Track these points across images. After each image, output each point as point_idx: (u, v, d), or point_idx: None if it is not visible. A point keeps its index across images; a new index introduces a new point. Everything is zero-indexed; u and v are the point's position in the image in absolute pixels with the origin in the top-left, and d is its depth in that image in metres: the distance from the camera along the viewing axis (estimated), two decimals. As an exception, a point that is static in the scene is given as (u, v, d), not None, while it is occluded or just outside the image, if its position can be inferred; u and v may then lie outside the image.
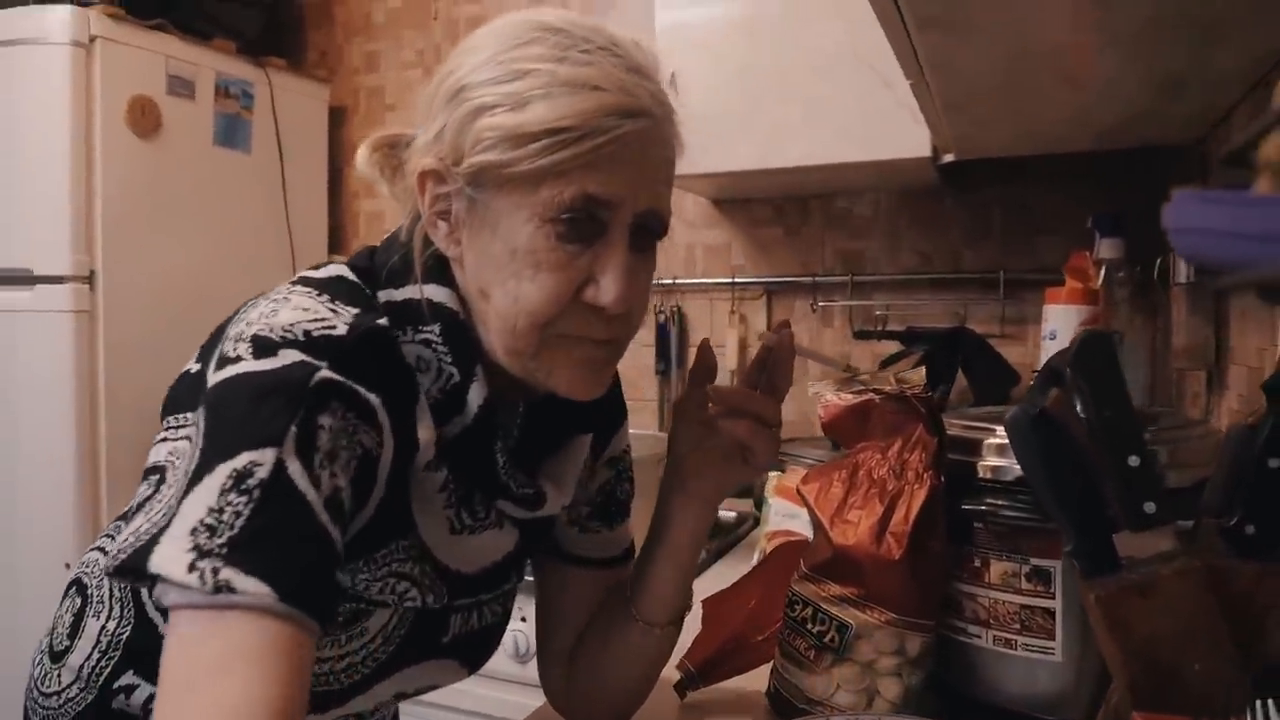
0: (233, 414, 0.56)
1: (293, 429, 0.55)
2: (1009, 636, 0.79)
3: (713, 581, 0.81)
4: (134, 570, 0.55)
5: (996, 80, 0.89)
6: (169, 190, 1.91)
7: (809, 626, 0.82)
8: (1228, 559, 0.66)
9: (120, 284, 1.82)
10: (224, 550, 0.52)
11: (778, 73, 1.52)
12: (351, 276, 0.67)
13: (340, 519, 0.58)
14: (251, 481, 0.54)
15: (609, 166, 0.62)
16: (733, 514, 1.74)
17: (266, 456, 0.55)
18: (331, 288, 0.65)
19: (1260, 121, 0.31)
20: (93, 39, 1.75)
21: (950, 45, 0.79)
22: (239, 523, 0.53)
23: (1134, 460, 0.62)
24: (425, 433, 0.65)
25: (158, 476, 0.66)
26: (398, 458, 0.63)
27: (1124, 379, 0.63)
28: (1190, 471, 0.77)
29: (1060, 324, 1.32)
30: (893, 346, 1.72)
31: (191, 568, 0.52)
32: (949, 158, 1.41)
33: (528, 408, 0.76)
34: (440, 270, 0.68)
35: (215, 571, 0.52)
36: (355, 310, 0.63)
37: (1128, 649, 0.61)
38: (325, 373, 0.58)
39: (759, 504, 1.62)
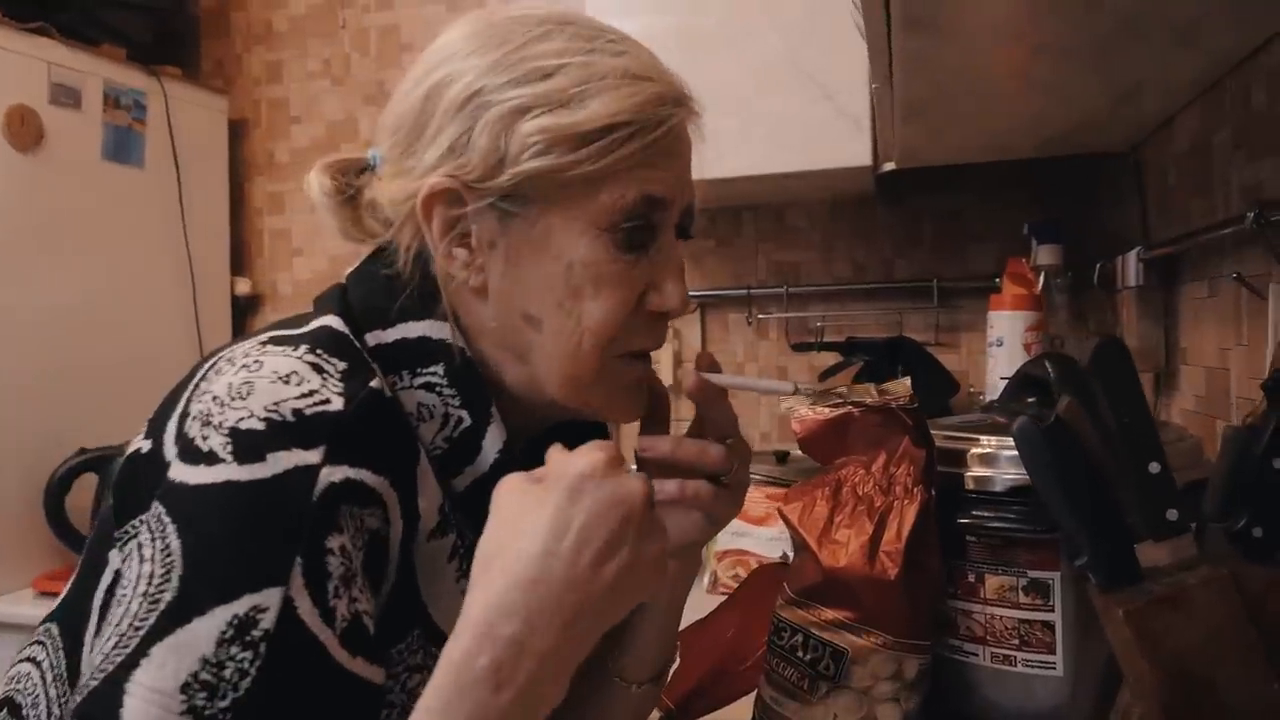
0: (222, 540, 0.48)
1: (299, 561, 0.48)
2: (1007, 653, 0.77)
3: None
4: (101, 719, 0.46)
5: (964, 84, 0.88)
6: (53, 208, 1.75)
7: (800, 654, 0.78)
8: (1237, 564, 0.64)
9: (-1, 311, 1.65)
10: (229, 716, 0.45)
11: (714, 84, 1.47)
12: (337, 325, 0.59)
13: (364, 645, 0.50)
14: (256, 633, 0.46)
15: (663, 161, 0.58)
16: (675, 534, 1.69)
17: (271, 599, 0.47)
18: (309, 337, 0.57)
19: None
20: (-36, 42, 1.59)
21: (926, 47, 0.77)
22: (244, 683, 0.45)
23: (1155, 467, 0.60)
24: (426, 500, 0.58)
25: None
26: (404, 535, 0.56)
27: (1140, 385, 0.61)
28: (1176, 475, 0.76)
29: (1006, 331, 1.33)
30: (831, 358, 1.71)
31: None
32: (889, 166, 1.40)
33: (527, 444, 0.69)
34: (430, 304, 0.60)
35: None
36: (343, 365, 0.55)
37: (1159, 664, 0.58)
38: (326, 476, 0.50)
39: (705, 523, 1.58)
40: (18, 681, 0.65)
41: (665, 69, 0.61)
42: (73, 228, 1.80)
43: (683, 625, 0.90)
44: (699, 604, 0.92)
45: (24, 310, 1.69)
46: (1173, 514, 0.60)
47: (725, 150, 1.48)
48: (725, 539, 1.46)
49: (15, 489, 1.66)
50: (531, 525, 0.49)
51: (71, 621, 0.56)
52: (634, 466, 0.70)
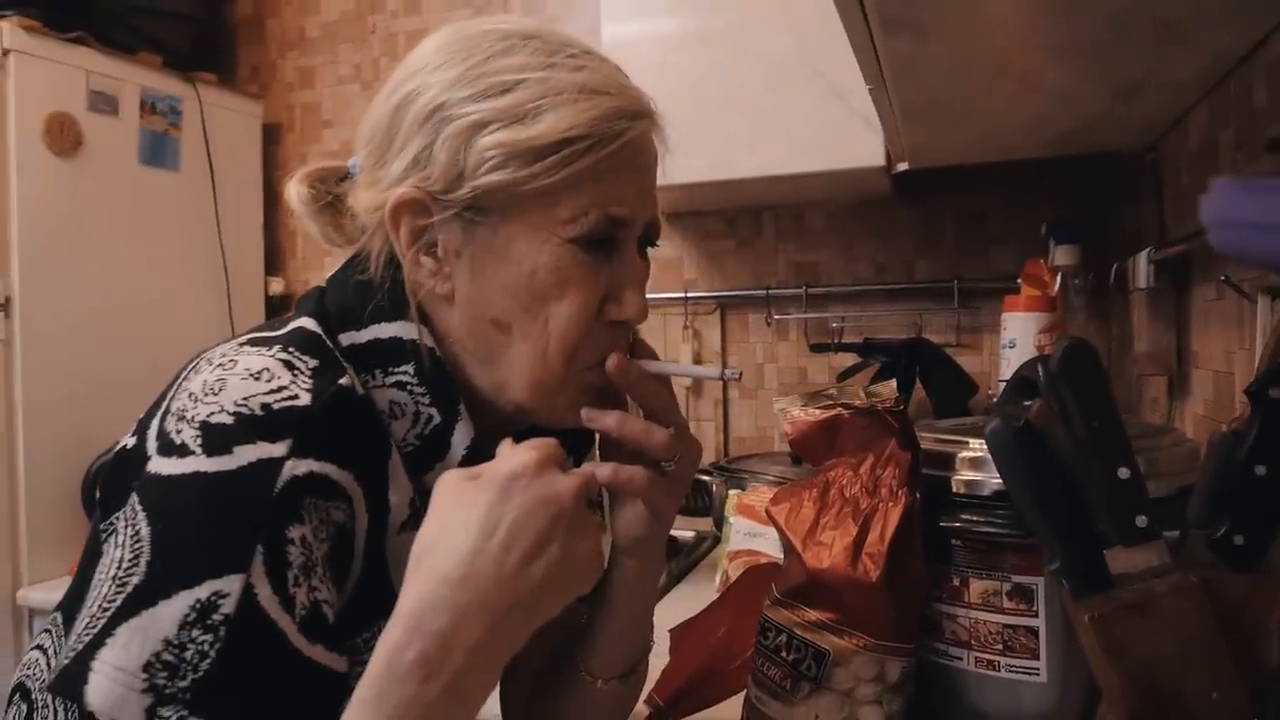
0: (188, 528, 0.50)
1: (260, 550, 0.50)
2: (991, 657, 0.76)
3: (674, 604, 0.77)
4: (68, 694, 0.48)
5: (956, 86, 0.87)
6: (91, 211, 1.81)
7: (783, 654, 0.78)
8: (1217, 571, 0.63)
9: (40, 311, 1.71)
10: (188, 696, 0.47)
11: (727, 85, 1.50)
12: (311, 326, 0.61)
13: (323, 633, 0.52)
14: (217, 617, 0.48)
15: (622, 175, 0.59)
16: (691, 534, 1.70)
17: (233, 585, 0.49)
18: (284, 338, 0.59)
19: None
20: (6, 52, 1.65)
21: (914, 49, 0.77)
22: (204, 664, 0.47)
23: (1124, 472, 0.60)
24: (398, 494, 0.59)
25: None
26: (372, 528, 0.58)
27: (1110, 388, 0.60)
28: (1167, 481, 0.75)
29: (1019, 332, 1.31)
30: (849, 359, 1.70)
31: (152, 715, 0.46)
32: (903, 167, 1.39)
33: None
34: (402, 307, 0.62)
35: None
36: (315, 363, 0.57)
37: (1125, 672, 0.58)
38: (289, 469, 0.52)
39: (719, 523, 1.58)
40: (29, 668, 0.69)
41: (627, 83, 0.62)
42: (110, 231, 1.86)
43: (675, 623, 0.91)
44: (705, 603, 0.93)
45: (64, 311, 1.76)
46: (1142, 520, 0.59)
47: (738, 151, 1.50)
48: (738, 539, 1.46)
49: (55, 483, 1.72)
50: (463, 523, 0.50)
51: (73, 611, 0.58)
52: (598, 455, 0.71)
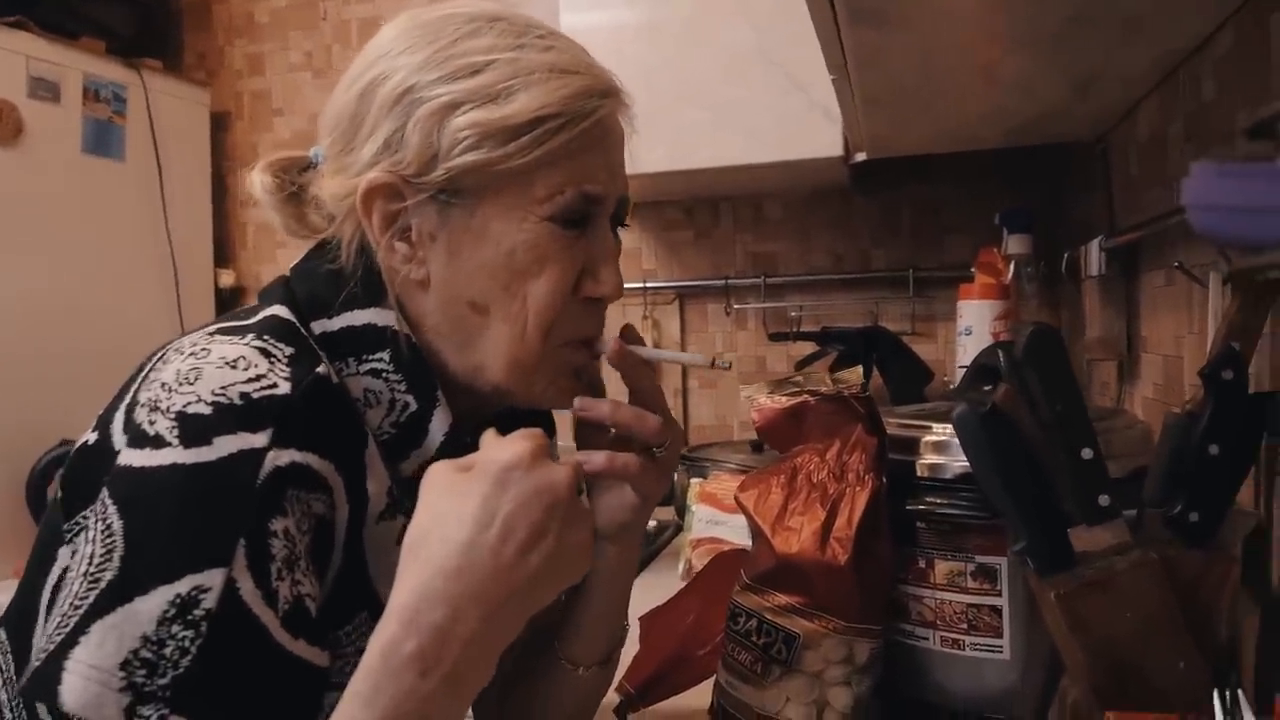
0: (165, 521, 0.49)
1: (242, 543, 0.49)
2: (956, 636, 0.78)
3: (639, 592, 0.78)
4: (41, 697, 0.46)
5: (919, 76, 0.89)
6: (33, 202, 1.76)
7: (754, 639, 0.79)
8: (1173, 548, 0.65)
9: (-21, 304, 1.66)
10: (168, 693, 0.46)
11: (686, 75, 1.50)
12: (284, 314, 0.60)
13: (306, 627, 0.51)
14: (198, 612, 0.47)
15: (593, 152, 0.60)
16: (654, 522, 1.71)
17: (214, 579, 0.48)
18: (257, 326, 0.57)
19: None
20: (-59, 37, 1.60)
21: (879, 39, 0.78)
22: (185, 661, 0.46)
23: (1087, 453, 0.61)
24: (375, 483, 0.58)
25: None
26: (351, 519, 0.57)
27: (1073, 372, 0.62)
28: (1122, 462, 0.77)
29: (974, 320, 1.33)
30: (808, 347, 1.72)
31: (131, 714, 0.45)
32: (861, 157, 1.41)
33: (475, 430, 0.70)
34: (375, 294, 0.61)
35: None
36: (291, 350, 0.56)
37: (1089, 647, 0.60)
38: (272, 459, 0.50)
39: (682, 511, 1.59)
40: None
41: (593, 62, 0.63)
42: (54, 221, 1.80)
43: (645, 610, 0.91)
44: (670, 590, 0.93)
45: (5, 303, 1.70)
46: (1104, 500, 0.61)
47: (698, 142, 1.51)
48: (700, 527, 1.47)
49: (-2, 479, 1.67)
50: (457, 514, 0.50)
51: (20, 624, 0.56)
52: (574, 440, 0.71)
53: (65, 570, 0.54)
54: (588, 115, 0.59)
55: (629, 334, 0.67)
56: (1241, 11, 0.73)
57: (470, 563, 0.49)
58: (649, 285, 1.92)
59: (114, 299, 1.94)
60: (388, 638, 0.48)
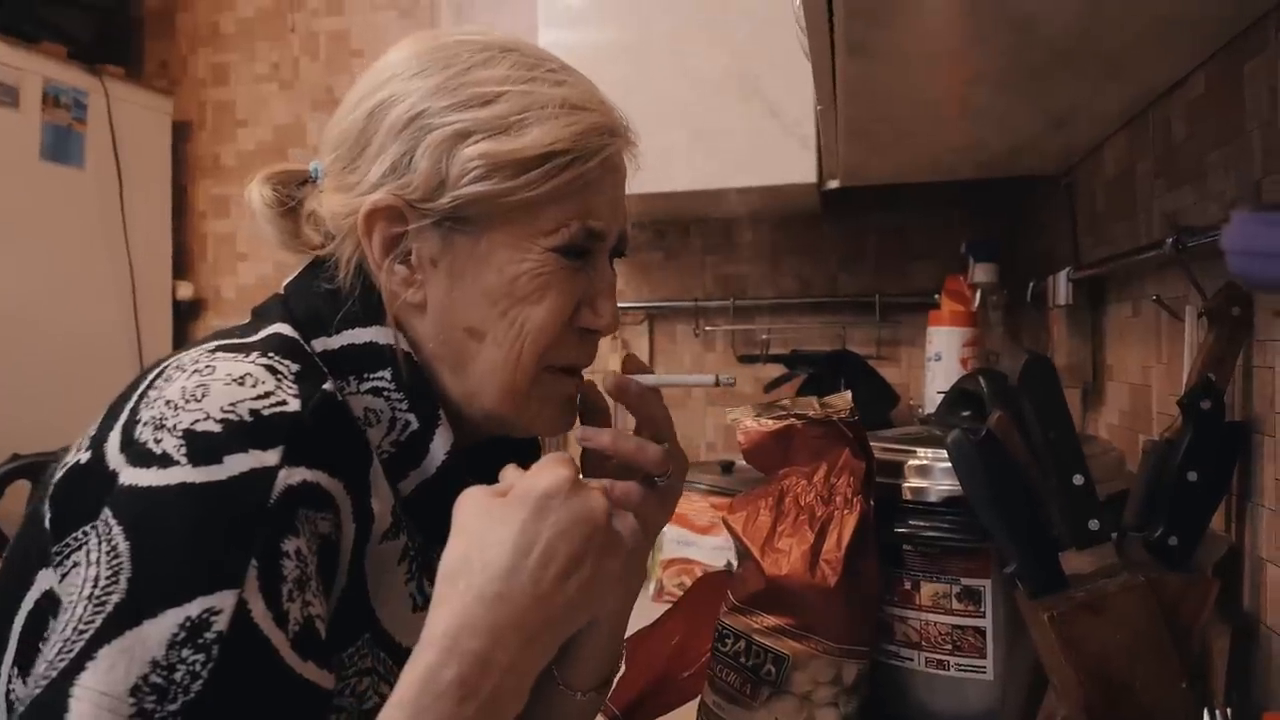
0: (174, 542, 0.48)
1: (254, 564, 0.48)
2: (941, 657, 0.79)
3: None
4: None
5: (905, 107, 0.91)
6: (-12, 208, 1.71)
7: (742, 660, 0.80)
8: (1154, 571, 0.68)
9: (-71, 313, 1.61)
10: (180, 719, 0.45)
11: (663, 97, 1.51)
12: (287, 331, 0.59)
13: (315, 649, 0.51)
14: (209, 635, 0.46)
15: (598, 190, 0.61)
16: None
17: (225, 602, 0.47)
18: (261, 344, 0.57)
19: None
20: (-104, 37, 1.55)
21: (869, 73, 0.80)
22: (195, 685, 0.45)
23: (1078, 479, 0.63)
24: (380, 502, 0.58)
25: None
26: (356, 539, 0.56)
27: (1065, 401, 0.64)
28: (1101, 487, 0.80)
29: (944, 346, 1.37)
30: (776, 370, 1.74)
31: None
32: (834, 184, 1.44)
33: (467, 454, 0.70)
34: (374, 313, 0.61)
35: None
36: (297, 368, 0.55)
37: (1081, 666, 0.61)
38: (284, 478, 0.50)
39: (652, 532, 1.59)
40: None
41: (603, 99, 0.63)
42: (9, 228, 1.75)
43: (628, 632, 0.91)
44: (645, 612, 0.93)
45: (-45, 312, 1.65)
46: (1094, 524, 0.63)
47: (672, 165, 1.52)
48: (671, 548, 1.48)
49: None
50: (497, 541, 0.50)
51: None
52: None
53: (49, 593, 0.52)
54: (596, 152, 0.59)
55: (630, 364, 0.68)
56: (1216, 57, 0.76)
57: (510, 590, 0.49)
58: (619, 305, 1.92)
59: (70, 309, 1.88)
60: (426, 665, 0.48)
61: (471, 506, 0.52)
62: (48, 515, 0.54)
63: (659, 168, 1.51)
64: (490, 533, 0.50)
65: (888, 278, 1.82)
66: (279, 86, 2.19)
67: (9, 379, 1.72)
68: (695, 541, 1.47)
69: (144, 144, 2.08)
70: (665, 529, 1.46)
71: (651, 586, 1.47)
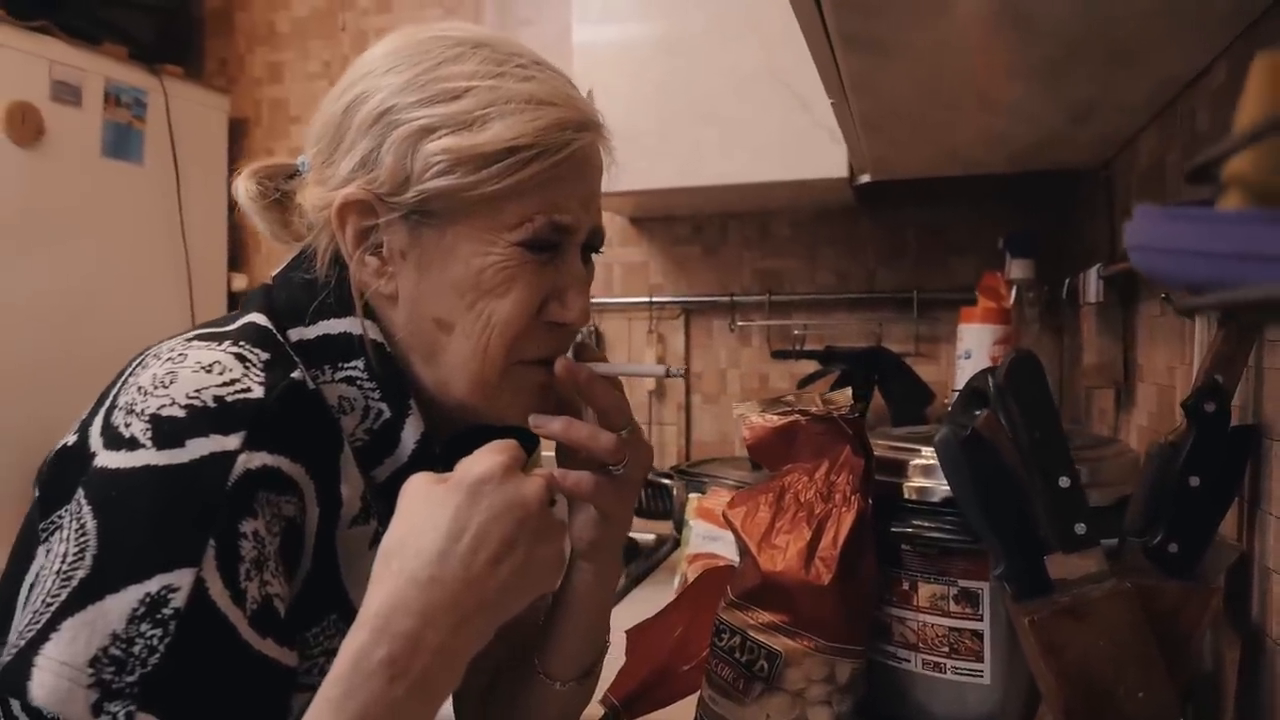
0: (137, 522, 0.50)
1: (211, 544, 0.50)
2: (938, 660, 0.78)
3: (633, 606, 0.78)
4: (11, 691, 0.47)
5: (915, 101, 0.90)
6: (52, 203, 1.79)
7: (737, 655, 0.80)
8: (1152, 578, 0.66)
9: (-4, 303, 1.69)
10: (136, 690, 0.47)
11: (696, 91, 1.51)
12: (261, 320, 0.61)
13: (274, 627, 0.52)
14: (167, 611, 0.48)
15: (567, 184, 0.61)
16: (651, 536, 1.72)
17: (183, 579, 0.49)
18: (234, 333, 0.59)
19: (1231, 139, 0.30)
20: (-33, 40, 1.63)
21: (873, 66, 0.79)
22: (153, 659, 0.48)
23: (1064, 481, 0.62)
24: (349, 488, 0.60)
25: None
26: (323, 522, 0.58)
27: (1053, 400, 0.63)
28: (1109, 490, 0.77)
29: (975, 343, 1.34)
30: (810, 366, 1.72)
31: (99, 710, 0.46)
32: (865, 178, 1.42)
33: (448, 442, 0.72)
34: (347, 304, 0.63)
35: (129, 717, 0.46)
36: (266, 356, 0.57)
37: (1061, 672, 0.60)
38: (243, 462, 0.52)
39: (679, 526, 1.59)
40: None
41: (574, 94, 0.63)
42: (71, 223, 1.83)
43: (633, 624, 0.92)
44: (661, 604, 0.94)
45: (22, 304, 1.73)
46: (1081, 528, 0.62)
47: (707, 159, 1.52)
48: (696, 542, 1.48)
49: (11, 477, 1.69)
50: (432, 525, 0.51)
51: (2, 619, 0.57)
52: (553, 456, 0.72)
53: (40, 568, 0.55)
54: (562, 147, 0.60)
55: (582, 351, 0.68)
56: (1234, 46, 0.73)
57: (442, 573, 0.50)
58: (655, 300, 1.93)
59: (129, 300, 1.96)
60: (359, 644, 0.49)
61: (413, 491, 0.54)
62: (38, 494, 0.57)
63: (692, 161, 1.53)
64: (426, 517, 0.52)
65: (927, 273, 1.78)
66: (329, 84, 2.23)
67: (71, 368, 1.80)
68: (721, 536, 1.46)
69: (201, 141, 2.15)
70: (692, 523, 1.46)
71: (676, 580, 1.47)
